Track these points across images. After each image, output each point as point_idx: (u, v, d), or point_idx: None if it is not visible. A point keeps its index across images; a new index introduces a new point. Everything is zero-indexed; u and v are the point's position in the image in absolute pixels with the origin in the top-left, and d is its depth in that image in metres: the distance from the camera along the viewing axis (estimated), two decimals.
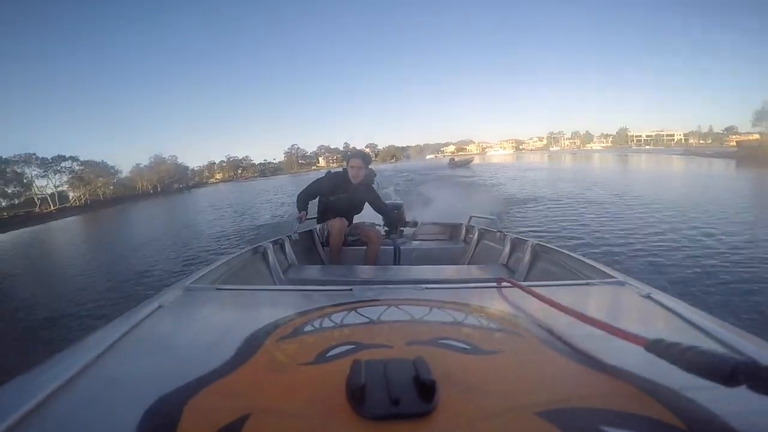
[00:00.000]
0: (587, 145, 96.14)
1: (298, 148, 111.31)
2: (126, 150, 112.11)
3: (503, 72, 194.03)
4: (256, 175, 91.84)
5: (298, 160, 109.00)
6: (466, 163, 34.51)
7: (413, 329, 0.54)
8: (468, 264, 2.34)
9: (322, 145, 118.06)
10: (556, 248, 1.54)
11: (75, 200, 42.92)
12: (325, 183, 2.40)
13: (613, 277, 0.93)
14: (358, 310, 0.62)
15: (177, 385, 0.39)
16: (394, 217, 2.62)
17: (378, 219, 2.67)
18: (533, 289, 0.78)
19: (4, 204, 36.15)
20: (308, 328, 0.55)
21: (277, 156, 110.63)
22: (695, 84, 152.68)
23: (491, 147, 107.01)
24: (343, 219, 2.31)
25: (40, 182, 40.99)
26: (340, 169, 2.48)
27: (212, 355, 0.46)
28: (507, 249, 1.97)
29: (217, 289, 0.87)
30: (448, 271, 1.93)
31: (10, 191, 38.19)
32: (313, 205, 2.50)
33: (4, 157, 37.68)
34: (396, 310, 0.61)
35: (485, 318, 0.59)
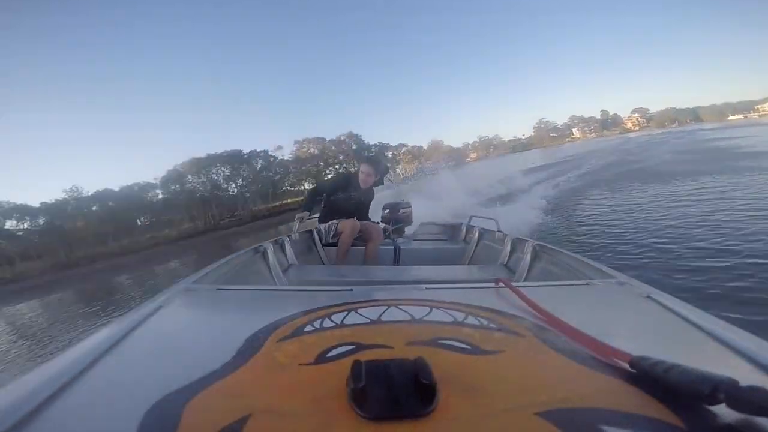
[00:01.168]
0: None
1: (547, 121, 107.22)
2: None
3: None
4: (507, 151, 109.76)
5: (549, 134, 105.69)
6: None
7: (413, 329, 0.54)
8: (468, 264, 2.38)
9: (575, 116, 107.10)
10: (556, 248, 1.55)
11: None
12: (333, 182, 2.56)
13: (613, 277, 0.94)
14: (359, 310, 0.62)
15: (178, 386, 0.39)
16: (393, 217, 2.63)
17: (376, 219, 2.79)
18: (533, 289, 0.81)
19: None
20: (308, 328, 0.55)
21: (525, 132, 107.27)
22: None
23: None
24: (356, 220, 2.35)
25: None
26: (352, 171, 2.67)
27: (213, 355, 0.47)
28: (507, 249, 1.98)
29: (218, 289, 0.86)
30: (448, 271, 1.92)
31: None
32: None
33: None
34: (396, 311, 0.62)
35: (485, 318, 0.59)
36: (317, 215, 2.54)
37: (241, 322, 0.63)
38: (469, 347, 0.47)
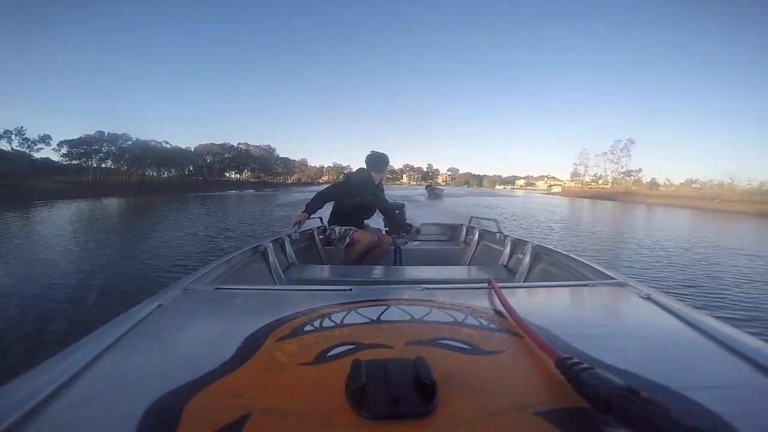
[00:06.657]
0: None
1: (389, 164, 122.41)
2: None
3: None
4: None
5: (386, 174, 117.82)
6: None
7: (413, 329, 0.54)
8: (468, 265, 2.40)
9: (408, 164, 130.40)
10: (556, 249, 1.54)
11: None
12: (346, 185, 2.45)
13: (613, 278, 0.94)
14: (358, 310, 0.62)
15: (177, 385, 0.39)
16: (396, 218, 2.64)
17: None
18: (533, 289, 0.82)
19: None
20: (308, 327, 0.55)
21: None
22: None
23: (558, 184, 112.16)
24: (374, 234, 2.34)
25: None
26: (354, 171, 2.61)
27: (212, 355, 0.47)
28: (507, 250, 2.01)
29: (217, 288, 0.85)
30: (449, 271, 1.93)
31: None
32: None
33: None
34: (396, 310, 0.62)
35: (485, 318, 0.59)
36: (320, 216, 2.50)
37: (241, 322, 0.63)
38: (468, 347, 0.48)
